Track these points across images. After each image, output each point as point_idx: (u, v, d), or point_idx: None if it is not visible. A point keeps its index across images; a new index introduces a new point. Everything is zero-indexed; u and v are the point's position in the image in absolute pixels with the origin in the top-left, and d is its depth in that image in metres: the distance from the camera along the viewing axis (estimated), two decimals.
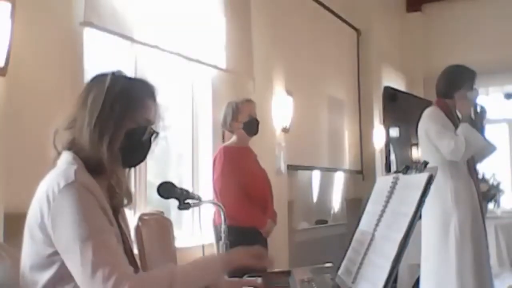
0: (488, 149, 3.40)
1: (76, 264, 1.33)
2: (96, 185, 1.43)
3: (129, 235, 1.62)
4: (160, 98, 1.59)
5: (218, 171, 3.50)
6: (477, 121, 3.33)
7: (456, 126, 3.33)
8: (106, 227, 1.40)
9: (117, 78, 1.53)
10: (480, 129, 3.32)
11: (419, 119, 3.44)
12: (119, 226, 1.54)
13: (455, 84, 3.39)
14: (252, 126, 3.59)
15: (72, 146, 1.48)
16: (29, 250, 1.41)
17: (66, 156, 1.47)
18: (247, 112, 3.57)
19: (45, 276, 1.38)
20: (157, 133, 1.58)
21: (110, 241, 1.37)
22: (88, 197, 1.37)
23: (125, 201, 1.58)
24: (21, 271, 1.43)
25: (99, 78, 1.53)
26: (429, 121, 3.36)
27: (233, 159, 3.49)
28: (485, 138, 3.33)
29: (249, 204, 3.44)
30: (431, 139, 3.33)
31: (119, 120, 1.48)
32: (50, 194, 1.37)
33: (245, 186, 3.47)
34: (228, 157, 3.49)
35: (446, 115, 3.35)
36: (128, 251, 1.54)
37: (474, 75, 3.42)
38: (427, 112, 3.41)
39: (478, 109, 3.35)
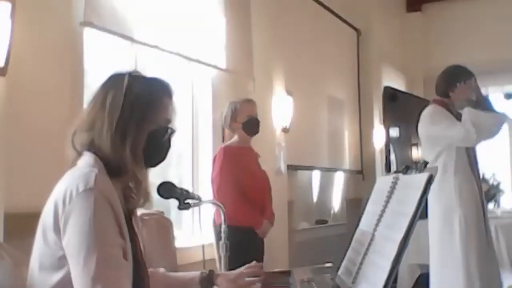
0: (500, 121, 3.34)
1: (77, 273, 1.31)
2: (114, 192, 1.41)
3: (141, 236, 1.61)
4: (175, 96, 1.57)
5: (216, 169, 3.51)
6: (480, 99, 3.33)
7: (457, 117, 3.34)
8: (116, 241, 1.37)
9: (135, 78, 1.50)
10: (486, 101, 3.32)
11: (418, 119, 3.45)
12: (131, 229, 1.52)
13: (452, 84, 3.40)
14: (251, 126, 3.58)
15: (92, 148, 1.46)
16: (41, 250, 1.39)
17: (87, 158, 1.44)
18: (246, 112, 3.57)
19: (55, 277, 1.36)
20: (175, 131, 1.57)
21: (117, 257, 1.35)
22: (104, 206, 1.35)
23: (141, 202, 1.55)
24: (30, 270, 1.41)
25: (116, 78, 1.50)
26: (431, 121, 3.35)
27: (232, 159, 3.49)
28: (493, 109, 3.32)
29: (246, 204, 3.44)
30: (438, 138, 3.33)
31: (140, 122, 1.46)
32: (67, 196, 1.34)
33: (242, 186, 3.47)
34: (227, 156, 3.49)
35: (447, 110, 3.36)
36: (138, 254, 1.53)
37: (472, 76, 3.42)
38: (428, 111, 3.40)
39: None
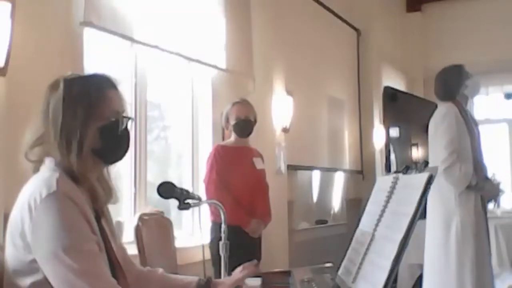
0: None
1: (57, 273, 1.31)
2: (78, 193, 1.41)
3: (113, 237, 1.58)
4: (119, 84, 1.55)
5: (207, 168, 3.58)
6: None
7: (467, 123, 3.34)
8: (89, 236, 1.38)
9: (71, 81, 1.49)
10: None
11: (430, 117, 3.44)
12: (102, 230, 1.52)
13: (458, 83, 3.43)
14: (239, 128, 3.61)
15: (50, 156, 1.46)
16: (11, 255, 1.39)
17: (48, 163, 1.45)
18: (234, 114, 3.61)
19: (28, 281, 1.36)
20: (130, 118, 1.55)
21: (93, 251, 1.36)
22: (70, 206, 1.35)
23: (107, 199, 1.54)
24: (5, 274, 1.41)
25: (53, 87, 1.49)
26: (442, 122, 3.34)
27: (222, 158, 3.53)
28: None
29: (232, 203, 3.41)
30: (437, 141, 3.33)
31: (84, 122, 1.45)
32: (32, 203, 1.35)
33: (229, 185, 3.49)
34: (217, 156, 3.55)
35: (461, 113, 3.37)
36: (111, 255, 1.52)
37: (462, 67, 3.53)
38: (442, 111, 3.38)
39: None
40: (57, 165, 1.44)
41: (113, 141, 1.50)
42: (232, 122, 3.62)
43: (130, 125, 1.55)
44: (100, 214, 1.54)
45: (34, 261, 1.35)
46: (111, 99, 1.50)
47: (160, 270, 1.76)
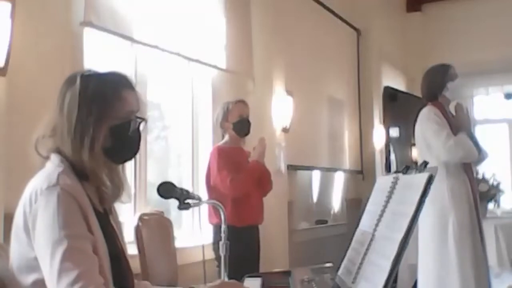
0: (481, 157, 3.45)
1: (46, 267, 1.32)
2: (80, 190, 1.41)
3: (121, 236, 1.59)
4: (135, 85, 1.56)
5: (214, 169, 3.48)
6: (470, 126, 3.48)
7: (451, 124, 3.36)
8: (83, 234, 1.36)
9: (88, 78, 1.48)
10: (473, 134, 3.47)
11: (415, 120, 3.47)
12: (111, 228, 1.53)
13: (440, 83, 3.44)
14: (241, 127, 3.57)
15: (58, 152, 1.47)
16: (16, 251, 1.40)
17: (53, 159, 1.46)
18: (237, 112, 3.56)
19: (31, 278, 1.37)
20: (144, 120, 1.55)
21: (84, 249, 1.34)
22: (68, 201, 1.35)
23: (115, 198, 1.54)
24: (10, 270, 1.42)
25: (70, 81, 1.49)
26: (426, 121, 3.38)
27: (227, 158, 3.49)
28: (477, 144, 3.40)
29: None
30: (427, 138, 3.36)
31: (98, 120, 1.45)
32: (33, 196, 1.37)
33: None
34: (222, 156, 3.48)
35: (442, 114, 3.39)
36: (120, 251, 1.53)
37: (449, 68, 3.51)
38: (424, 112, 3.43)
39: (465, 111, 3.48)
40: (62, 161, 1.44)
41: (123, 142, 1.50)
42: (234, 120, 3.55)
43: (143, 127, 1.55)
44: (108, 212, 1.55)
45: (36, 258, 1.35)
46: (126, 99, 1.50)
47: (146, 282, 1.74)
